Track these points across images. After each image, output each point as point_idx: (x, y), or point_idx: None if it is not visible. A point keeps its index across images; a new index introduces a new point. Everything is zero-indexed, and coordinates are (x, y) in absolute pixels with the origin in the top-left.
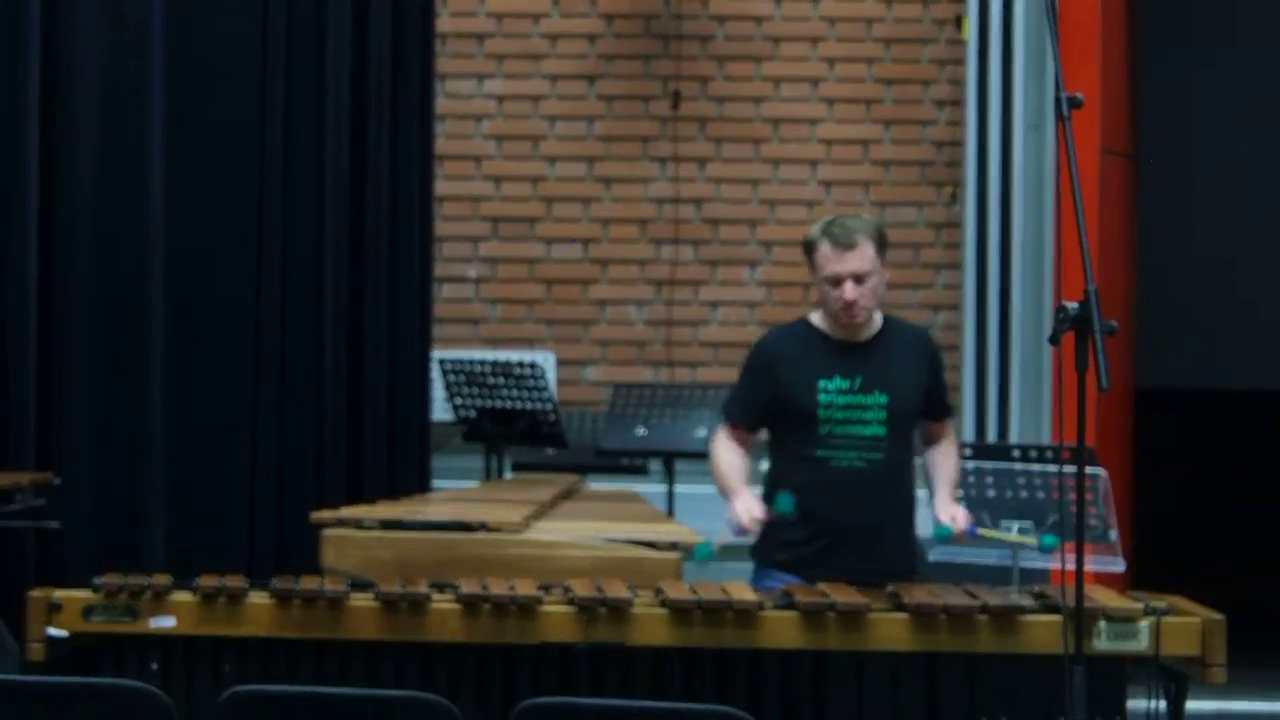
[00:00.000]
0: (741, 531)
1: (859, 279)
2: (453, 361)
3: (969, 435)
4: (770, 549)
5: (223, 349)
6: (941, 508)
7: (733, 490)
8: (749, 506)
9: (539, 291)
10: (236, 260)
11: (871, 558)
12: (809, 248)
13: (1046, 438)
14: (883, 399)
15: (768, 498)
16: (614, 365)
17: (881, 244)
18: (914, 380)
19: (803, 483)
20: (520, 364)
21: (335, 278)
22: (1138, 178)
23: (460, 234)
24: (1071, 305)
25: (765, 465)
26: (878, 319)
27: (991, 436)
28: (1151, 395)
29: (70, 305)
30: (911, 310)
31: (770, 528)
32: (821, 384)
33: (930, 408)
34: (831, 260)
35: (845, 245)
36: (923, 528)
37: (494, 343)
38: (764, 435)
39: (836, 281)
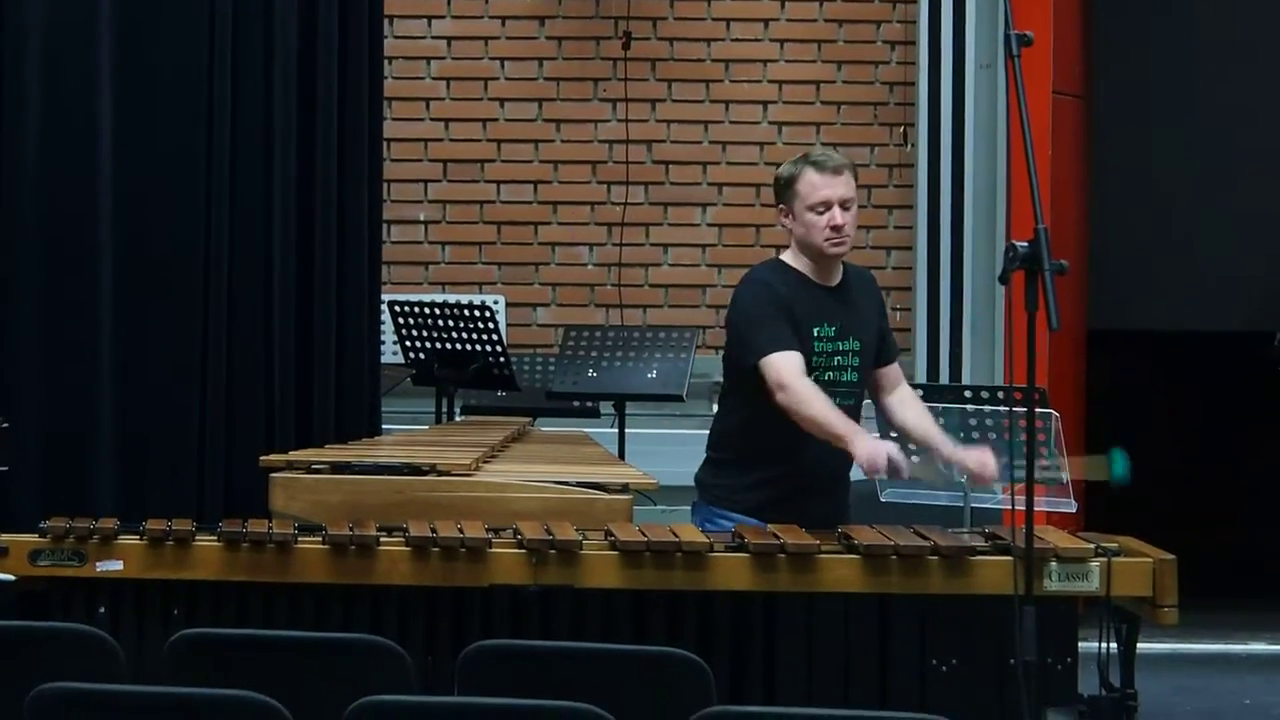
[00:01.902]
0: (875, 472)
1: (846, 205)
2: (402, 304)
3: (921, 376)
4: (733, 491)
5: (171, 293)
6: (966, 457)
7: (848, 430)
8: (881, 446)
9: (489, 233)
10: (185, 205)
11: (833, 504)
12: (788, 181)
13: (999, 379)
14: (856, 345)
15: (752, 448)
16: (565, 307)
17: (855, 177)
18: (875, 325)
19: (787, 429)
20: (470, 306)
21: (283, 220)
22: (1090, 120)
23: (410, 176)
24: (1021, 244)
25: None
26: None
27: (944, 377)
28: (1104, 338)
29: (17, 248)
30: (864, 252)
31: (732, 469)
32: (815, 330)
33: (885, 352)
34: (820, 186)
35: (834, 170)
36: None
37: (444, 285)
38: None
39: (827, 206)
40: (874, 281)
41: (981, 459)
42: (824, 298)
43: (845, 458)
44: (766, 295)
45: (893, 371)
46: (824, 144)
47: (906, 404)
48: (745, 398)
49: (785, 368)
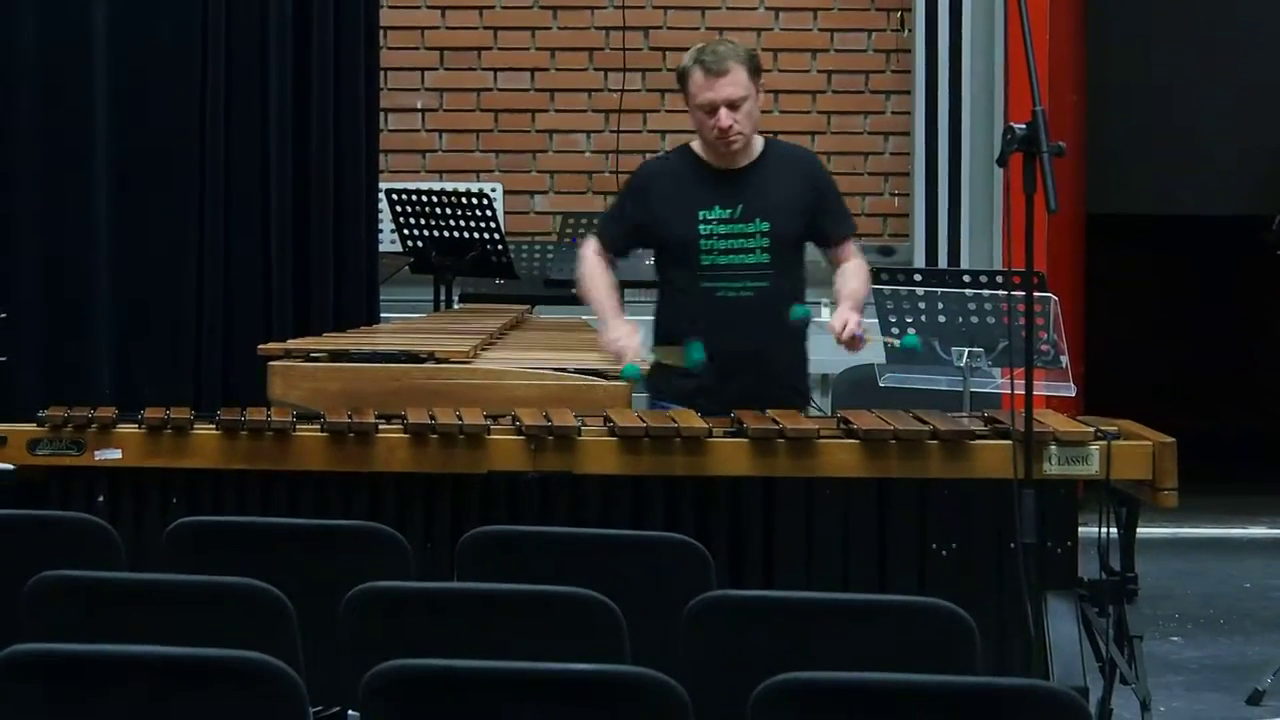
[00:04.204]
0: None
1: (733, 105)
2: (400, 192)
3: (920, 261)
4: (661, 380)
5: (168, 183)
6: (836, 315)
7: (608, 313)
8: (622, 336)
9: (486, 121)
10: (182, 93)
11: (762, 387)
12: (682, 76)
13: (997, 263)
14: (764, 226)
15: (661, 333)
16: (562, 195)
17: (754, 69)
18: (795, 204)
19: (690, 315)
20: (468, 194)
21: (279, 109)
22: (1088, 2)
23: (406, 64)
24: (1019, 126)
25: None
26: (758, 143)
27: (942, 262)
28: (1103, 222)
29: (13, 141)
30: (861, 138)
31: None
32: (701, 214)
33: (822, 230)
34: (704, 88)
35: (717, 72)
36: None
37: (441, 173)
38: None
39: (711, 109)
40: (810, 161)
41: (844, 319)
42: (720, 181)
43: (765, 336)
44: (629, 185)
45: (841, 250)
46: (820, 29)
47: (844, 275)
48: (659, 284)
49: (585, 248)
